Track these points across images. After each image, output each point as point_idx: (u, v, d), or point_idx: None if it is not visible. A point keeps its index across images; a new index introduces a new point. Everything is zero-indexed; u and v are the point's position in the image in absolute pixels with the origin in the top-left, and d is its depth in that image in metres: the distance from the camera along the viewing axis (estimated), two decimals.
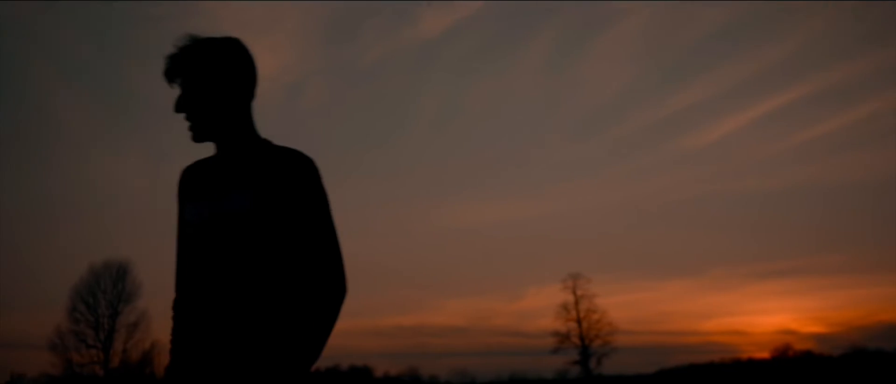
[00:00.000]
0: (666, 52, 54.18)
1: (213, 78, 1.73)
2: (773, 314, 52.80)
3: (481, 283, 57.82)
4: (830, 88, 51.38)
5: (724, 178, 54.42)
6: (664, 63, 54.13)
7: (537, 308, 54.28)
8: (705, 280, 54.95)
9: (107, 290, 33.55)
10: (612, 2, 50.72)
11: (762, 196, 54.57)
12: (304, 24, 50.52)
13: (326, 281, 1.63)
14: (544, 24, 53.96)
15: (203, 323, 1.65)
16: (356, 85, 53.70)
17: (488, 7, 51.61)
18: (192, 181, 1.83)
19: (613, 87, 55.19)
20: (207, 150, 1.82)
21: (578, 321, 39.55)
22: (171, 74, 1.75)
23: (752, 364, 44.17)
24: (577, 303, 39.83)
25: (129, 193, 48.50)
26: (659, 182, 55.06)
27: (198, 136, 1.76)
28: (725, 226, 55.61)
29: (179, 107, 1.75)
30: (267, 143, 1.78)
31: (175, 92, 1.76)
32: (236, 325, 1.61)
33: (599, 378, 39.03)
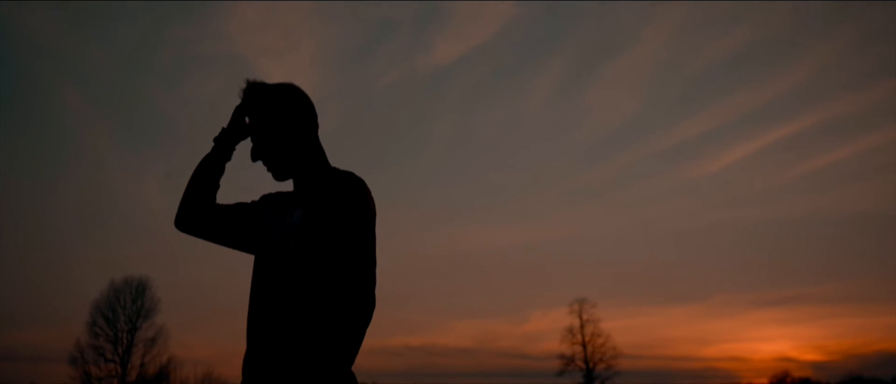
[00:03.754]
0: (674, 82, 55.01)
1: (278, 125, 1.83)
2: (772, 341, 52.27)
3: (489, 306, 57.79)
4: (836, 120, 52.01)
5: (729, 207, 54.81)
6: (672, 92, 55.11)
7: (543, 331, 54.00)
8: (708, 306, 55.12)
9: (126, 306, 33.91)
10: (621, 31, 51.65)
11: (765, 225, 54.89)
12: (320, 49, 51.64)
13: (354, 292, 1.64)
14: (554, 53, 54.87)
15: (259, 330, 1.75)
16: (370, 109, 54.64)
17: (500, 36, 52.63)
18: (269, 202, 1.95)
19: (622, 115, 55.79)
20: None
21: (584, 344, 40.02)
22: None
23: None
24: (582, 326, 40.31)
25: (150, 211, 49.00)
26: (665, 209, 55.52)
27: (278, 177, 1.87)
28: (729, 254, 55.85)
29: (255, 157, 1.87)
30: (334, 170, 1.84)
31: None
32: (278, 333, 1.70)
33: None
